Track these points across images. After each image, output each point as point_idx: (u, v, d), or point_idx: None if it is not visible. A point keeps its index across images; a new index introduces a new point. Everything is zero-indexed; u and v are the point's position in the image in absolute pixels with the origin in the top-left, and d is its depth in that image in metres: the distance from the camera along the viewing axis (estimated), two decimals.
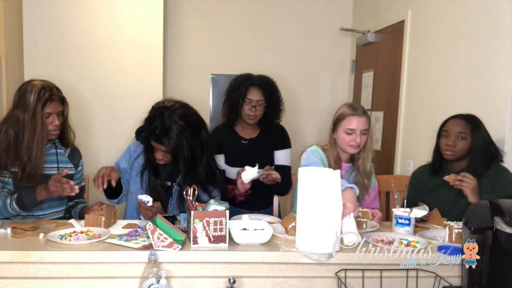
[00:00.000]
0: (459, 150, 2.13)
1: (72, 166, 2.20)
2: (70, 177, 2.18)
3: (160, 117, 1.96)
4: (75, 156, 2.23)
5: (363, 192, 2.21)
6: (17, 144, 1.99)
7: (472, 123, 2.13)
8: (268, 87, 2.52)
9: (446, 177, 2.04)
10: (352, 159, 2.24)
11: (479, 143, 2.12)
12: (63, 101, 2.08)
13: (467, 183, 1.96)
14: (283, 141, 2.61)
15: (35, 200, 1.96)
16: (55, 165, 2.13)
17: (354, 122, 2.10)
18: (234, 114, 2.52)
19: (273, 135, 2.61)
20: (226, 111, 2.56)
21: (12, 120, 2.00)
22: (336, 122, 2.17)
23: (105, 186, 1.96)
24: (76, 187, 1.91)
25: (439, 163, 2.25)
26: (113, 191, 2.12)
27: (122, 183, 2.16)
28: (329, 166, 2.17)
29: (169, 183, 2.17)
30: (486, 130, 2.16)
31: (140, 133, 2.01)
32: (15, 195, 1.97)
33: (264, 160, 2.54)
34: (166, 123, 1.95)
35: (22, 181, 2.00)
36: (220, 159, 2.48)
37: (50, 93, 1.99)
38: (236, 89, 2.49)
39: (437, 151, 2.25)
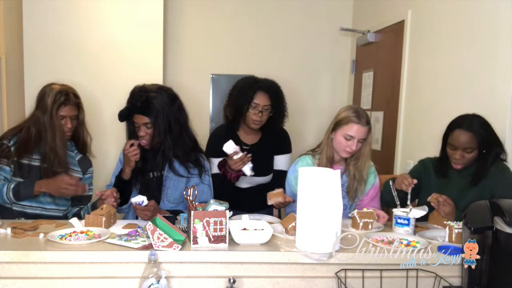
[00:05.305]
0: (467, 161, 2.10)
1: (80, 170, 2.25)
2: None
3: (139, 92, 2.11)
4: (85, 162, 2.30)
5: (353, 195, 2.22)
6: (40, 142, 2.11)
7: (477, 134, 2.05)
8: (275, 92, 2.46)
9: (429, 198, 2.04)
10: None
11: (487, 149, 2.08)
12: (78, 106, 2.19)
13: (444, 207, 2.00)
14: (284, 147, 2.57)
15: (31, 193, 2.07)
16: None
17: (356, 130, 2.09)
18: (238, 118, 2.45)
19: (275, 140, 2.57)
20: (230, 114, 2.48)
21: (34, 119, 2.13)
22: (337, 124, 2.15)
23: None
24: (87, 186, 2.15)
25: (445, 168, 2.20)
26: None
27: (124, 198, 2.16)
28: (321, 166, 2.16)
29: (157, 173, 2.18)
30: (493, 129, 2.10)
31: (122, 114, 2.13)
32: (12, 185, 2.06)
33: (265, 165, 2.53)
34: (146, 94, 2.09)
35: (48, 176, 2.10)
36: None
37: (66, 97, 2.11)
38: (243, 92, 2.41)
39: (444, 157, 2.19)
